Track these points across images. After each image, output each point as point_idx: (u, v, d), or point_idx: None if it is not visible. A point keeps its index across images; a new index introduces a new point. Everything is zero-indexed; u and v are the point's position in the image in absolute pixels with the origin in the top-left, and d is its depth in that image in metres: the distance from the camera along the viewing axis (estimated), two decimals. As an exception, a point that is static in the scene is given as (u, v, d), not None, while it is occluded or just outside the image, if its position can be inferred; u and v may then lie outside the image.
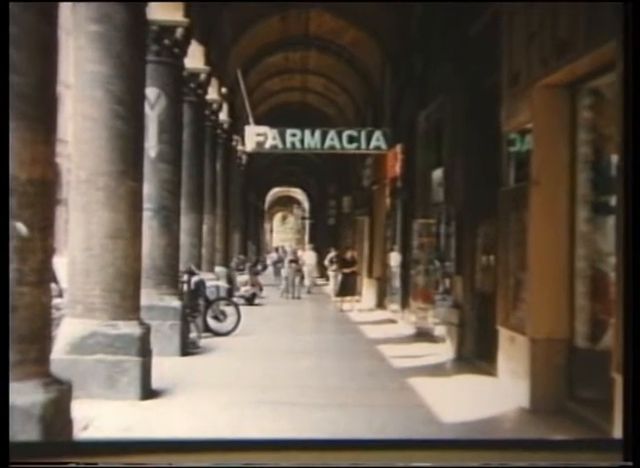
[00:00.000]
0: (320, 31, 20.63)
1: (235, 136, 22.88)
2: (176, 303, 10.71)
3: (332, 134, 18.28)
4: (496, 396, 8.19)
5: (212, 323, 13.08)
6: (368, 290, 21.73)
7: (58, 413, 4.86)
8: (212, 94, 16.89)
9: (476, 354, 10.54)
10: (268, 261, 40.01)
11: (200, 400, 7.76)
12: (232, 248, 24.19)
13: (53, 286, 5.79)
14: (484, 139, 10.25)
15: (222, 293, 15.91)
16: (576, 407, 7.17)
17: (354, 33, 19.68)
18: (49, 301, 4.99)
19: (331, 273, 24.00)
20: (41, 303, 4.78)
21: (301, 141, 18.15)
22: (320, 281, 30.50)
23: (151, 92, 10.39)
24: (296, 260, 24.64)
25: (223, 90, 18.48)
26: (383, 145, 18.13)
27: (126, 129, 7.68)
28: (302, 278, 24.89)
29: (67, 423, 5.10)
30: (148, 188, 10.14)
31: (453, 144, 12.27)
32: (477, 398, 8.27)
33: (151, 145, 10.52)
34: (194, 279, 12.39)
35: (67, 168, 7.10)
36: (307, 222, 51.56)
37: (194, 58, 13.99)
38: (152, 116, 10.47)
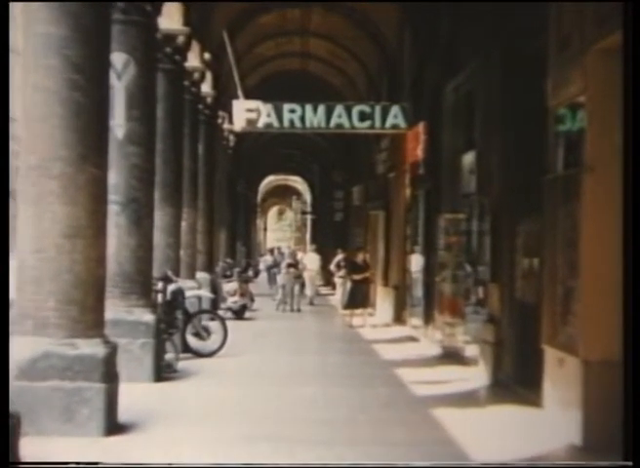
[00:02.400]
0: (325, -16, 20.73)
1: (221, 113, 22.99)
2: (148, 317, 10.75)
3: (339, 109, 18.28)
4: (540, 431, 8.22)
5: (192, 341, 13.10)
6: (383, 300, 21.82)
7: None
8: (192, 60, 16.93)
9: (516, 379, 10.61)
10: (261, 266, 40.30)
11: (177, 436, 7.77)
12: (217, 249, 24.30)
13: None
14: (525, 116, 10.35)
15: (205, 305, 16.24)
16: (639, 444, 7.20)
17: (366, -14, 19.74)
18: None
19: (338, 280, 24.43)
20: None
21: (302, 119, 18.18)
22: (325, 290, 30.86)
23: (118, 58, 10.42)
24: (295, 265, 24.80)
25: (206, 56, 18.52)
26: (402, 123, 18.17)
27: (87, 103, 7.71)
28: (303, 286, 25.12)
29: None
30: (115, 176, 10.23)
31: (487, 122, 12.33)
32: (517, 433, 8.30)
33: (118, 123, 10.54)
34: (171, 287, 12.42)
35: (15, 151, 7.10)
36: (309, 218, 51.89)
37: (170, 18, 14.06)
38: (119, 87, 10.54)
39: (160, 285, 12.23)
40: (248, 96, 21.52)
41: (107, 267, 8.43)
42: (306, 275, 25.62)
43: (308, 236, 52.64)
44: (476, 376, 11.46)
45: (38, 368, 7.45)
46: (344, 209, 34.77)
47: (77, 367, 7.54)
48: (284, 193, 63.71)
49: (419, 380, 11.44)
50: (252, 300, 21.99)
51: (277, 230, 73.81)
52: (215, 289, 19.32)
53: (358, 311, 19.84)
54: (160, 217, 13.39)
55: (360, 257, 20.85)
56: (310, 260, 26.92)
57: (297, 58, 28.03)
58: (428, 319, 16.11)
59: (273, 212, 74.75)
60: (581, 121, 8.03)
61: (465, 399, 10.26)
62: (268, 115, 18.22)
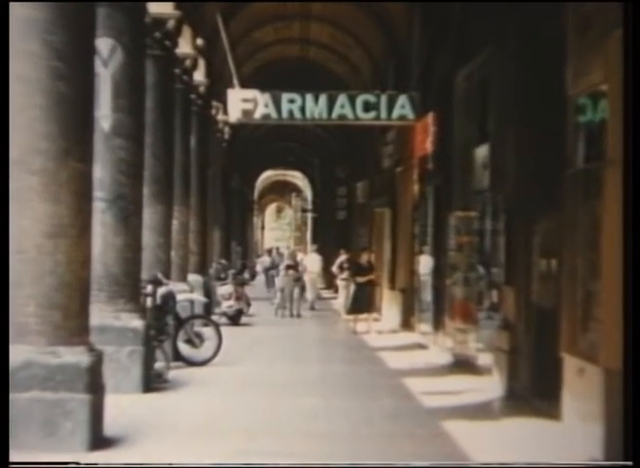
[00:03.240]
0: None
1: (215, 103, 23.09)
2: (136, 323, 10.74)
3: (342, 99, 18.24)
4: (559, 446, 8.21)
5: (184, 349, 13.10)
6: (390, 305, 21.86)
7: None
8: (184, 47, 16.95)
9: (533, 390, 10.56)
10: (259, 268, 40.44)
11: (167, 451, 7.75)
12: (211, 250, 24.34)
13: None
14: (543, 106, 10.31)
15: (198, 310, 16.18)
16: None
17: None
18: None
19: (341, 283, 24.49)
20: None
21: (302, 109, 18.16)
22: (327, 293, 30.93)
23: (104, 44, 10.42)
24: (294, 266, 24.84)
25: (199, 41, 18.54)
26: (410, 114, 18.14)
27: (70, 93, 7.69)
28: (303, 289, 25.14)
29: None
30: (100, 171, 10.24)
31: (502, 113, 12.30)
32: (534, 448, 8.28)
33: (104, 114, 10.55)
34: (161, 291, 12.39)
35: (-7, 145, 7.11)
36: (310, 216, 51.97)
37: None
38: (105, 76, 10.54)
39: (149, 288, 12.20)
40: (244, 84, 21.48)
41: (92, 269, 8.41)
42: (307, 277, 25.62)
43: (309, 235, 52.68)
44: (490, 387, 11.43)
45: (18, 378, 7.38)
46: (348, 206, 34.82)
47: (60, 376, 7.50)
48: (283, 189, 63.69)
49: (427, 391, 11.41)
50: (248, 305, 21.99)
51: (275, 229, 73.90)
52: (208, 292, 19.31)
53: (362, 316, 19.78)
54: (149, 216, 13.37)
55: (364, 258, 20.78)
56: (311, 262, 26.89)
57: (296, 45, 28.02)
58: (438, 325, 16.06)
59: (271, 209, 74.83)
60: (603, 111, 8.02)
61: (478, 411, 10.24)
62: (266, 105, 18.15)
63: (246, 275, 28.53)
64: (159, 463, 6.48)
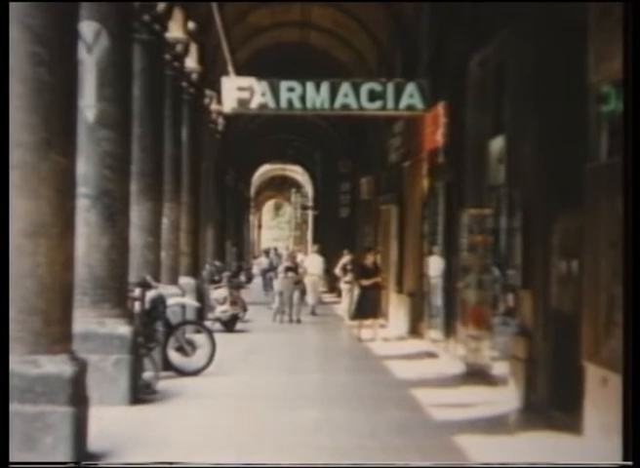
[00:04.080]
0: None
1: (208, 92, 23.14)
2: (123, 329, 10.75)
3: (345, 87, 18.03)
4: (580, 461, 8.14)
5: (175, 357, 13.10)
6: (397, 310, 21.85)
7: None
8: (174, 31, 16.96)
9: (552, 402, 10.56)
10: (255, 270, 40.44)
11: (157, 468, 7.74)
12: (204, 250, 24.34)
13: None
14: (564, 94, 10.31)
15: (190, 316, 16.34)
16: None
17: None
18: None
19: (344, 286, 24.37)
20: None
21: (302, 99, 17.98)
22: (329, 297, 30.94)
23: (88, 28, 10.44)
24: (294, 268, 24.73)
25: (191, 25, 18.53)
26: (419, 104, 17.98)
27: (51, 81, 7.69)
28: (304, 293, 25.16)
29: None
30: (84, 166, 10.28)
31: (519, 101, 12.26)
32: (554, 464, 8.19)
33: (88, 104, 10.58)
34: (150, 295, 12.38)
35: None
36: (310, 214, 51.97)
37: (149, -19, 13.98)
38: (90, 62, 10.57)
39: (137, 292, 12.19)
40: (239, 72, 21.42)
41: (76, 271, 8.43)
42: (308, 280, 25.60)
43: (310, 235, 52.77)
44: (505, 398, 11.43)
45: (-6, 388, 7.50)
46: (352, 203, 34.76)
47: (40, 388, 7.49)
48: (281, 185, 63.63)
49: (438, 403, 11.42)
50: (244, 310, 21.96)
51: (274, 228, 73.95)
52: (201, 296, 19.34)
53: (368, 322, 19.80)
54: (137, 213, 13.37)
55: (370, 260, 20.73)
56: (312, 263, 26.92)
57: (296, 29, 27.99)
58: (449, 331, 16.09)
59: (269, 206, 74.84)
60: (629, 100, 8.03)
61: (493, 424, 10.24)
62: (263, 94, 17.98)
63: (242, 277, 28.69)
64: (159, 463, 6.65)
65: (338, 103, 18.08)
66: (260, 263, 40.68)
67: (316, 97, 18.00)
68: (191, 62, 19.98)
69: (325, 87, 18.05)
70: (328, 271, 28.99)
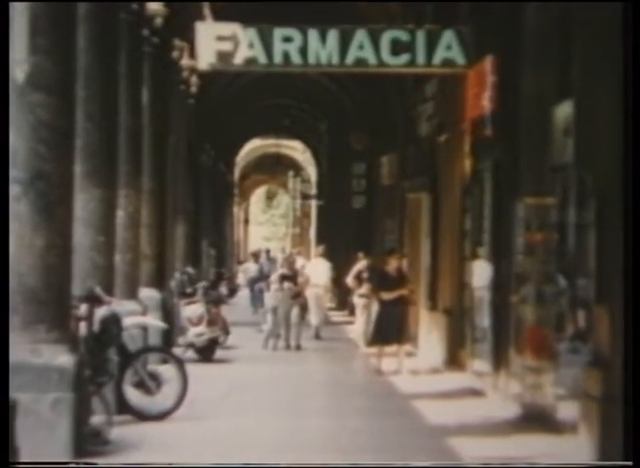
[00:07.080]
0: None
1: (177, 43, 21.85)
2: (64, 359, 10.15)
3: (360, 36, 16.79)
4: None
5: (133, 395, 12.56)
6: (429, 333, 20.68)
7: None
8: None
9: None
10: (241, 279, 40.66)
11: None
12: (173, 253, 23.49)
13: None
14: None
15: (154, 341, 15.86)
16: None
17: None
18: None
19: (358, 301, 23.11)
20: None
21: (302, 51, 16.72)
22: (338, 316, 30.18)
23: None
24: (292, 277, 23.42)
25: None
26: (459, 58, 16.93)
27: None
28: (305, 310, 24.09)
29: None
30: (13, 140, 9.85)
31: (591, 58, 11.55)
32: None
33: (18, 59, 10.04)
34: (100, 312, 11.73)
35: None
36: (314, 205, 50.61)
37: None
38: (19, 5, 9.96)
39: (83, 309, 11.58)
40: (219, 16, 20.68)
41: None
42: (310, 293, 24.43)
43: (313, 233, 52.17)
44: (574, 450, 10.76)
45: None
46: (368, 190, 33.62)
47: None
48: (275, 167, 62.18)
49: (484, 456, 10.79)
50: (226, 333, 20.84)
51: (265, 224, 73.12)
52: (168, 315, 18.63)
53: (390, 349, 18.80)
54: (83, 204, 13.03)
55: (393, 266, 19.45)
56: (316, 270, 25.75)
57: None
58: (500, 361, 15.11)
59: (259, 195, 73.75)
60: None
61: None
62: (251, 46, 16.65)
63: (222, 290, 27.56)
64: (159, 463, 7.21)
65: (350, 58, 16.85)
66: (246, 270, 39.29)
67: (321, 49, 16.75)
68: (154, 4, 18.63)
69: (333, 35, 16.75)
70: (337, 281, 28.09)
